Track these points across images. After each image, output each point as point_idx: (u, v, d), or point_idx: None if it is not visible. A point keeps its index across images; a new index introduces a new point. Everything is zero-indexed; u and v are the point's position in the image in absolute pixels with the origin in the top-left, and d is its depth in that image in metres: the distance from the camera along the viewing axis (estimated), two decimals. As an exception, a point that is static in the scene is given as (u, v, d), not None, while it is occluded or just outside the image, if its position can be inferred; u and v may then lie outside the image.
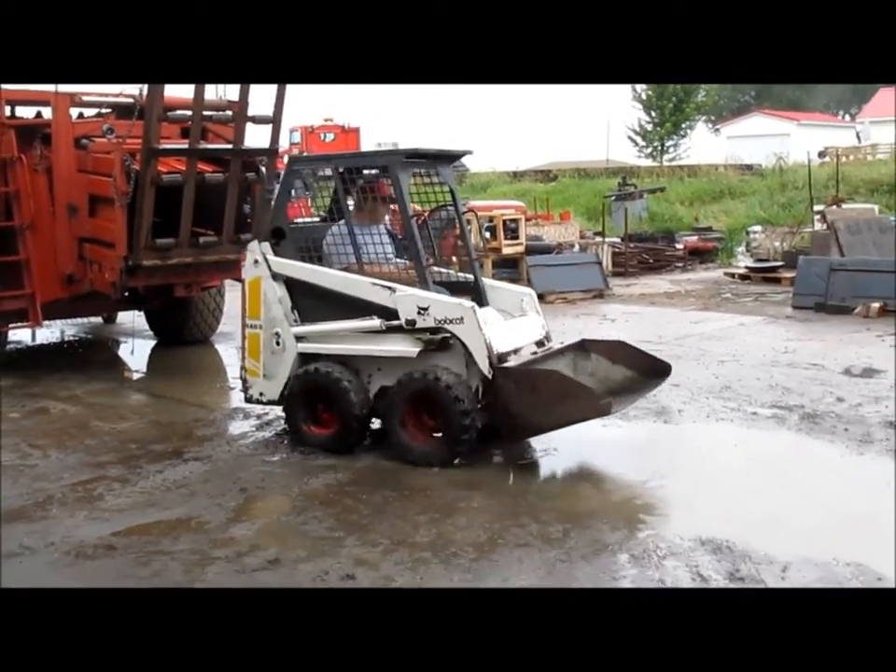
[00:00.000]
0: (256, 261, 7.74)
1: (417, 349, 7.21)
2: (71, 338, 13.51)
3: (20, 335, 12.33)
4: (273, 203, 8.20)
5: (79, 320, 13.81)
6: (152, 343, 12.76)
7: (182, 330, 12.44)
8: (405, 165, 7.51)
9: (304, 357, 7.62)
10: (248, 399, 8.04)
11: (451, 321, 7.11)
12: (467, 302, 7.27)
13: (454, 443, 7.05)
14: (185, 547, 5.59)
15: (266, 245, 7.73)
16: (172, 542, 5.67)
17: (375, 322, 7.31)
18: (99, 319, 14.06)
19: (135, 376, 11.37)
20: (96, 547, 5.61)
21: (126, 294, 10.45)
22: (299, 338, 7.62)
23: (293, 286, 7.71)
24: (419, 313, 7.15)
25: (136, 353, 12.26)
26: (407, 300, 7.21)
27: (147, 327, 13.00)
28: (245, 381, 7.98)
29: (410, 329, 7.18)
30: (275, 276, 7.68)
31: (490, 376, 7.01)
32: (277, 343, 7.68)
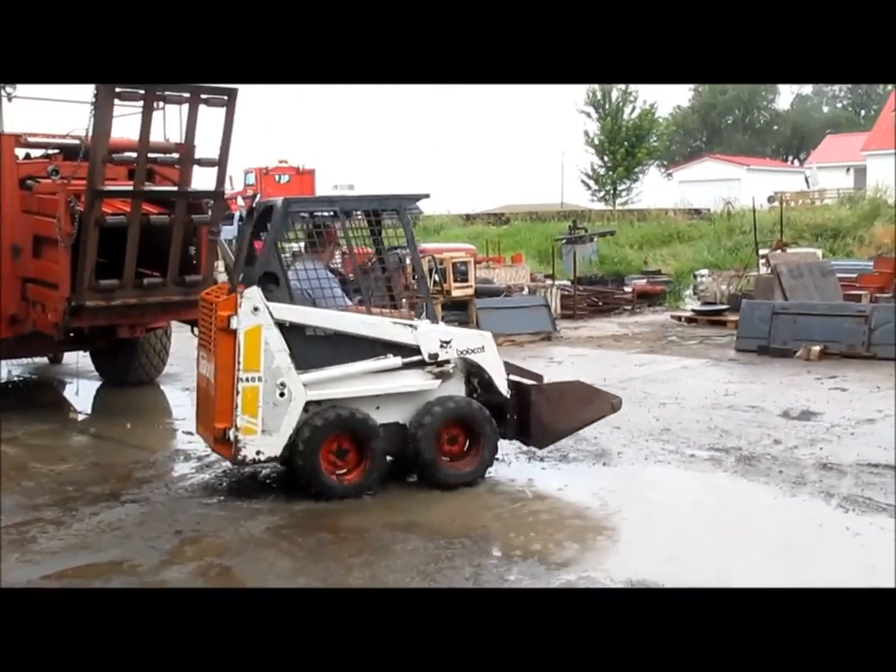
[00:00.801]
0: (255, 308, 7.09)
1: (437, 381, 7.58)
2: (16, 378, 13.39)
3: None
4: (268, 246, 7.42)
5: (24, 360, 13.69)
6: (97, 383, 12.67)
7: (127, 371, 12.37)
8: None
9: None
10: (241, 462, 7.21)
11: (472, 351, 7.70)
12: (485, 332, 7.94)
13: (489, 460, 7.72)
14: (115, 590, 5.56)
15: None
16: (103, 585, 5.63)
17: (396, 360, 7.43)
18: (45, 359, 13.95)
19: (79, 417, 11.29)
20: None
21: (71, 334, 10.40)
22: (306, 385, 7.22)
23: (289, 331, 7.25)
24: (441, 346, 7.53)
25: (81, 394, 12.17)
26: (430, 335, 7.54)
27: (92, 367, 12.92)
28: (235, 441, 7.06)
29: (431, 362, 7.51)
30: (276, 323, 7.19)
31: (508, 396, 7.82)
32: (282, 395, 7.12)
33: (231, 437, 7.09)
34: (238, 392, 7.06)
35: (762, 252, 20.26)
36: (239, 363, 7.07)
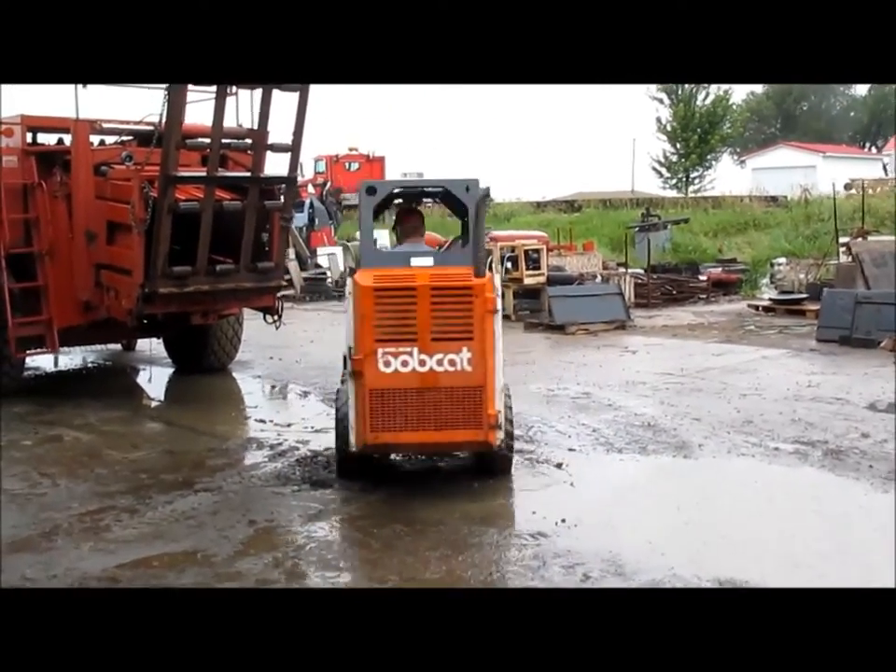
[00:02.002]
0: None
1: None
2: (90, 365, 13.48)
3: (39, 361, 12.30)
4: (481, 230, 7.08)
5: (99, 347, 13.79)
6: (170, 370, 12.70)
7: (200, 358, 12.36)
8: None
9: None
10: (499, 448, 7.04)
11: None
12: None
13: None
14: (189, 581, 5.47)
15: None
16: (176, 576, 5.55)
17: None
18: (118, 346, 14.03)
19: (151, 404, 11.32)
20: (99, 579, 5.50)
21: (144, 321, 10.41)
22: None
23: None
24: None
25: (154, 381, 12.21)
26: None
27: (165, 354, 12.95)
28: (499, 427, 6.91)
29: None
30: None
31: None
32: None
33: (502, 422, 6.91)
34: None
35: (842, 240, 19.71)
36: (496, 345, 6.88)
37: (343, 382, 7.30)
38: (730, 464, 7.87)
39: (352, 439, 6.88)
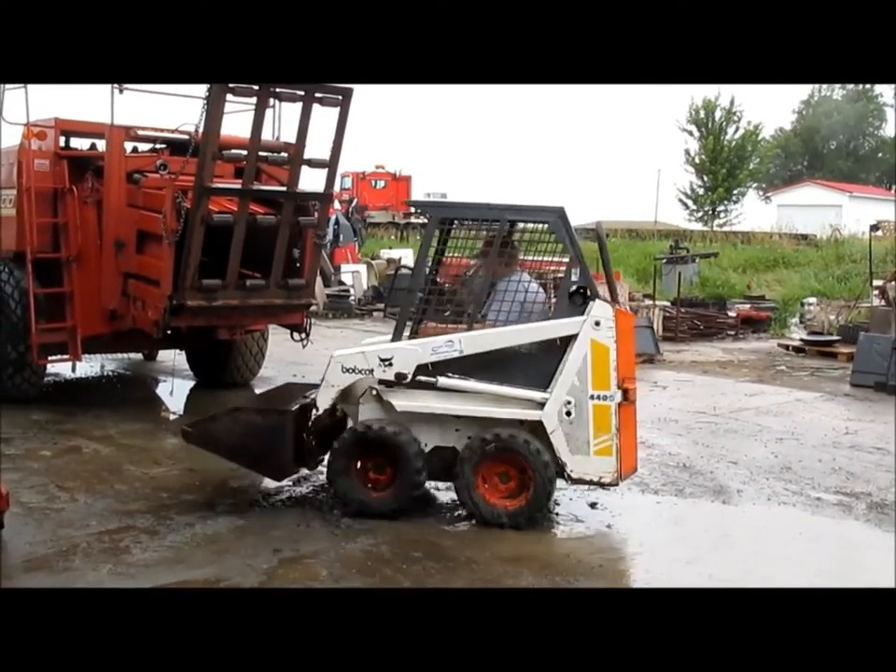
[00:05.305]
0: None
1: None
2: (110, 373, 13.27)
3: (58, 367, 12.06)
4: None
5: (119, 355, 13.57)
6: (191, 383, 12.46)
7: (223, 373, 12.12)
8: None
9: None
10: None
11: None
12: None
13: None
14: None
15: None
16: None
17: None
18: (139, 355, 13.82)
19: (172, 417, 11.07)
20: (119, 606, 5.26)
21: (168, 333, 10.17)
22: None
23: None
24: None
25: (175, 393, 11.97)
26: None
27: (186, 366, 12.72)
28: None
29: None
30: None
31: None
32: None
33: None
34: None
35: (875, 283, 19.37)
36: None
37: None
38: (771, 512, 7.58)
39: (615, 466, 6.83)
